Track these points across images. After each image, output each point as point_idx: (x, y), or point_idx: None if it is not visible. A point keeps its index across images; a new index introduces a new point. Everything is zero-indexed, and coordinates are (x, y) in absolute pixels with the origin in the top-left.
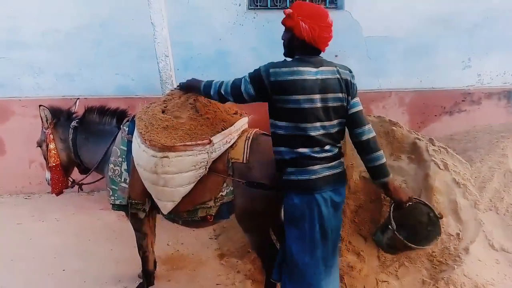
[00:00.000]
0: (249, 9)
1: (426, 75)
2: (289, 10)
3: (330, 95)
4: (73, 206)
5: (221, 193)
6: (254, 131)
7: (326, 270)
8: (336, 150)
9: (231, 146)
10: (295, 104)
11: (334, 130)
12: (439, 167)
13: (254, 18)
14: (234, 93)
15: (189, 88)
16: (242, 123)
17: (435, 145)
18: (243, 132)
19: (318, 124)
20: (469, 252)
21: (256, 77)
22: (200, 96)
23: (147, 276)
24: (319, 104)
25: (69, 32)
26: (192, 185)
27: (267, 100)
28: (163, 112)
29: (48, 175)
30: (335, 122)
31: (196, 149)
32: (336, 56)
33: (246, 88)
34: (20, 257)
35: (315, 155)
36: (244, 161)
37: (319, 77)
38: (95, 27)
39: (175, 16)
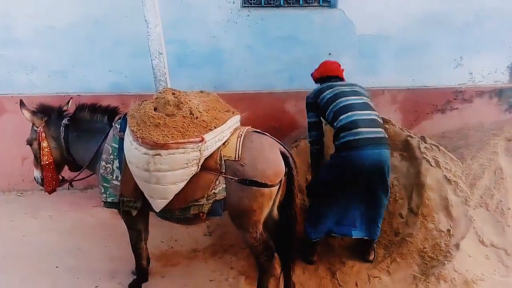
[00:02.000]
0: (243, 6)
1: (418, 74)
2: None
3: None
4: (67, 203)
5: (213, 191)
6: (247, 128)
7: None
8: (375, 116)
9: (223, 144)
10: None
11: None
12: (430, 164)
13: (248, 15)
14: (310, 133)
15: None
16: (235, 120)
17: (427, 143)
18: (235, 129)
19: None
20: (459, 248)
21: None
22: (193, 96)
23: (141, 273)
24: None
25: (63, 29)
26: (184, 183)
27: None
28: (155, 109)
29: (37, 173)
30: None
31: (188, 147)
32: (329, 54)
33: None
34: (13, 254)
35: (359, 116)
36: (237, 159)
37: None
38: (88, 25)
39: (168, 14)
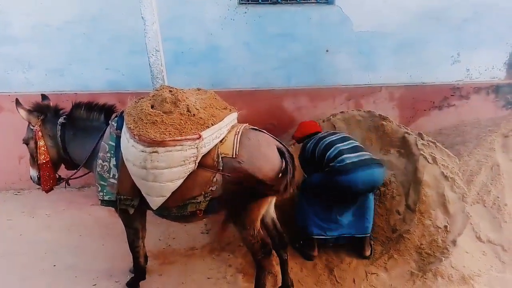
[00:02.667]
0: (240, 3)
1: (415, 70)
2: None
3: None
4: (64, 201)
5: (210, 188)
6: (244, 126)
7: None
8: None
9: (220, 141)
10: None
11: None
12: (428, 161)
13: (245, 13)
14: (303, 170)
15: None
16: (232, 118)
17: (424, 139)
18: (232, 127)
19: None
20: (456, 244)
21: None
22: (191, 93)
23: (139, 271)
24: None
25: (60, 27)
26: (181, 180)
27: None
28: (152, 107)
29: (33, 172)
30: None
31: (185, 144)
32: (327, 51)
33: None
34: (10, 253)
35: (353, 155)
36: (234, 156)
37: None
38: (85, 22)
39: (166, 11)
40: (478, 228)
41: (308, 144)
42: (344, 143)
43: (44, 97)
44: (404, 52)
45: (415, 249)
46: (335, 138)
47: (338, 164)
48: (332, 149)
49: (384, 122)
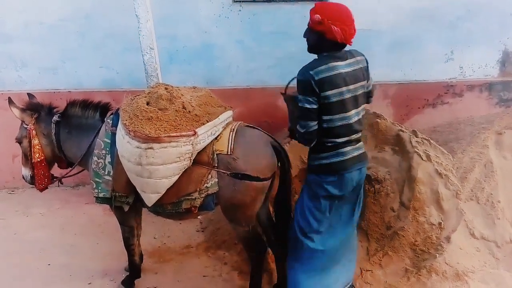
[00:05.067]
0: (234, 1)
1: (409, 68)
2: (318, 17)
3: (358, 84)
4: (58, 200)
5: (205, 185)
6: (239, 123)
7: (341, 250)
8: (360, 133)
9: (215, 138)
10: (338, 97)
11: (361, 115)
12: (422, 158)
13: (239, 10)
14: (301, 121)
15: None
16: (227, 115)
17: (418, 137)
18: (228, 124)
19: (354, 111)
20: (450, 241)
21: (304, 87)
22: (186, 91)
23: (134, 269)
24: (351, 94)
25: (53, 25)
26: (176, 177)
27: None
28: (148, 104)
29: (25, 171)
30: (361, 107)
31: (180, 141)
32: None
33: (303, 103)
34: (4, 252)
35: (350, 138)
36: (229, 153)
37: (349, 70)
38: (79, 20)
39: (160, 9)
40: (472, 225)
41: (325, 74)
42: (359, 110)
43: (30, 96)
44: (398, 50)
45: (410, 246)
46: (350, 96)
47: (331, 159)
48: (350, 115)
49: (378, 120)
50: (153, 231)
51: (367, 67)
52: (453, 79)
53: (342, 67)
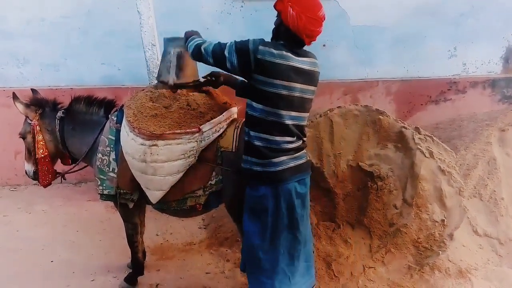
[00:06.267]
0: None
1: (412, 65)
2: None
3: (309, 87)
4: (61, 197)
5: (210, 182)
6: (244, 120)
7: (291, 261)
8: (301, 141)
9: (220, 135)
10: (276, 89)
11: (303, 122)
12: (424, 155)
13: (241, 7)
14: (216, 55)
15: (186, 36)
16: (232, 112)
17: (421, 134)
18: (232, 121)
19: (293, 113)
20: (453, 238)
21: (243, 48)
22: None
23: (137, 266)
24: (297, 94)
25: (54, 21)
26: (181, 174)
27: (247, 77)
28: (152, 100)
29: (28, 167)
30: (306, 114)
31: (185, 138)
32: (323, 45)
33: (230, 55)
34: (7, 249)
35: (285, 145)
36: (234, 150)
37: (302, 66)
38: (80, 16)
39: (161, 5)
40: (475, 222)
41: (270, 58)
42: (302, 116)
43: (34, 91)
44: (401, 47)
45: (412, 243)
46: (298, 94)
47: (265, 168)
48: (285, 115)
49: (381, 117)
50: (155, 228)
51: (318, 74)
52: (456, 76)
53: (296, 61)
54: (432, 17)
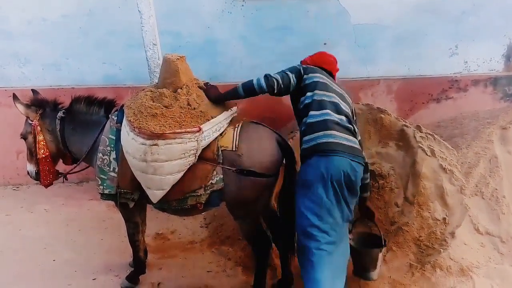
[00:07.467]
0: None
1: (414, 63)
2: None
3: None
4: (62, 196)
5: (211, 181)
6: (243, 119)
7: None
8: (353, 128)
9: (220, 134)
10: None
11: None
12: (426, 154)
13: (242, 6)
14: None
15: (222, 99)
16: (232, 112)
17: (422, 132)
18: (232, 120)
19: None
20: (455, 236)
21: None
22: (192, 86)
23: (139, 265)
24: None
25: (56, 21)
26: (181, 173)
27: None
28: (152, 100)
29: (30, 167)
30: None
31: (185, 137)
32: (325, 44)
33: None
34: (9, 248)
35: (336, 119)
36: (234, 149)
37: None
38: (81, 16)
39: (162, 4)
40: (476, 220)
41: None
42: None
43: (34, 92)
44: (402, 45)
45: (414, 242)
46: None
47: (318, 140)
48: (333, 95)
49: (382, 115)
50: (157, 227)
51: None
52: (457, 74)
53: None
54: (433, 15)
